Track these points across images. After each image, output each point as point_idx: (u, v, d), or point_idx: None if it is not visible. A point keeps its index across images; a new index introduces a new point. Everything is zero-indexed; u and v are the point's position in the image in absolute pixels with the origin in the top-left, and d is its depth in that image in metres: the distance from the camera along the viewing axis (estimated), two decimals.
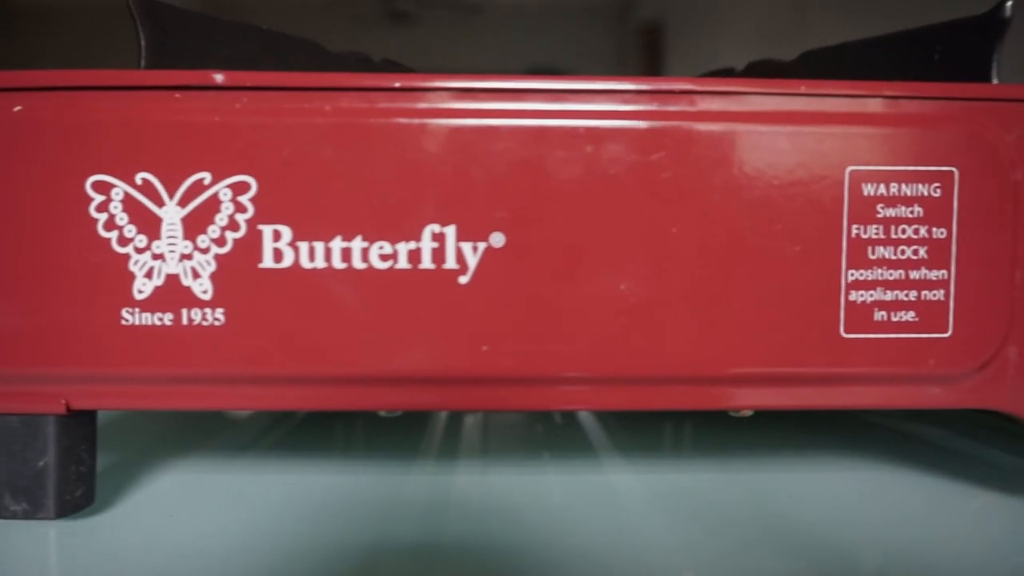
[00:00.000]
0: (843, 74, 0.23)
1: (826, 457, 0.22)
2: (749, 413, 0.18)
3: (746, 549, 0.16)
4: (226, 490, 0.19)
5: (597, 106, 0.16)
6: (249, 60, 0.21)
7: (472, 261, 0.16)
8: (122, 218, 0.16)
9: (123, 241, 0.16)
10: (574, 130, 0.16)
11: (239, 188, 0.16)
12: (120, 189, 0.16)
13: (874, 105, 0.17)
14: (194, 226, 0.16)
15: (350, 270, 0.16)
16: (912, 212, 0.17)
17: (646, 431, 0.24)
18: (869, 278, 0.17)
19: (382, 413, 0.18)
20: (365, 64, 0.25)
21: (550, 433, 0.24)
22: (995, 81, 0.20)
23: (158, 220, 0.16)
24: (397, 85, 0.16)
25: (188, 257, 0.16)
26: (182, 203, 0.16)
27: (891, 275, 0.17)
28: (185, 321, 0.16)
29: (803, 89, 0.16)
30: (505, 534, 0.17)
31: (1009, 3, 0.20)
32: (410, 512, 0.18)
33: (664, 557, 0.16)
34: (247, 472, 0.20)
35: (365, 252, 0.16)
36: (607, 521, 0.17)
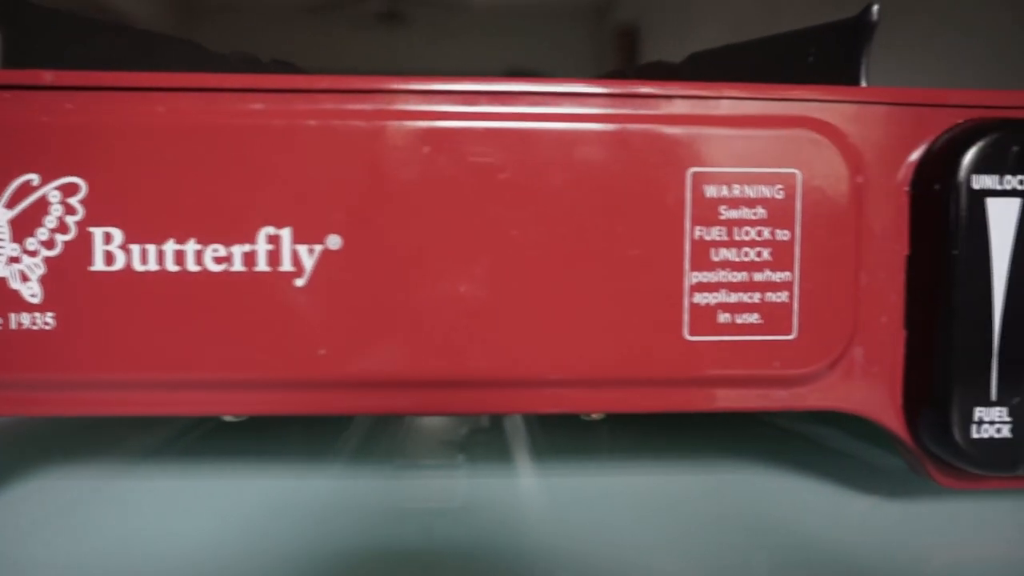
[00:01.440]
0: (727, 75, 0.23)
1: (713, 458, 0.22)
2: (599, 416, 0.18)
3: (618, 552, 0.16)
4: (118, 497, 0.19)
5: (433, 107, 0.16)
6: (121, 60, 0.21)
7: (308, 264, 0.16)
8: None
9: None
10: (410, 131, 0.16)
11: (68, 190, 0.16)
12: None
13: (715, 107, 0.17)
14: (22, 229, 0.16)
15: (184, 273, 0.16)
16: (755, 214, 0.16)
17: (568, 434, 0.24)
18: (712, 280, 0.17)
19: (228, 418, 0.17)
20: (250, 64, 0.25)
21: (469, 436, 0.24)
22: (863, 83, 0.20)
23: None
24: (231, 86, 0.16)
25: (16, 260, 0.16)
26: (9, 205, 0.16)
27: (735, 277, 0.17)
28: (14, 325, 0.16)
29: (643, 90, 0.16)
30: (396, 536, 0.16)
31: (875, 7, 0.20)
32: (304, 514, 0.18)
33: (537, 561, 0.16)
34: (145, 479, 0.20)
35: (199, 255, 0.16)
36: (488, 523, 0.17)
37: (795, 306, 0.17)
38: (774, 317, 0.17)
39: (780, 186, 0.16)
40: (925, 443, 0.17)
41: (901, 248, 0.17)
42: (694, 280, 0.16)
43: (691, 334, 0.17)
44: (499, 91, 0.16)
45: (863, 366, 0.17)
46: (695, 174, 0.16)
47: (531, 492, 0.20)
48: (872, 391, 0.17)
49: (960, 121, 0.17)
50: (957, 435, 0.16)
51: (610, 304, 0.16)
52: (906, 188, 0.17)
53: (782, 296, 0.17)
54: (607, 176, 0.16)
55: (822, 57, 0.21)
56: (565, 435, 0.24)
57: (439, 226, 0.16)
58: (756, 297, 0.17)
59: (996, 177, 0.16)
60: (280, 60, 0.26)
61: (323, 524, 0.17)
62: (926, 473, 0.18)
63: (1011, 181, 0.16)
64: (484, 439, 0.24)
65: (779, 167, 0.16)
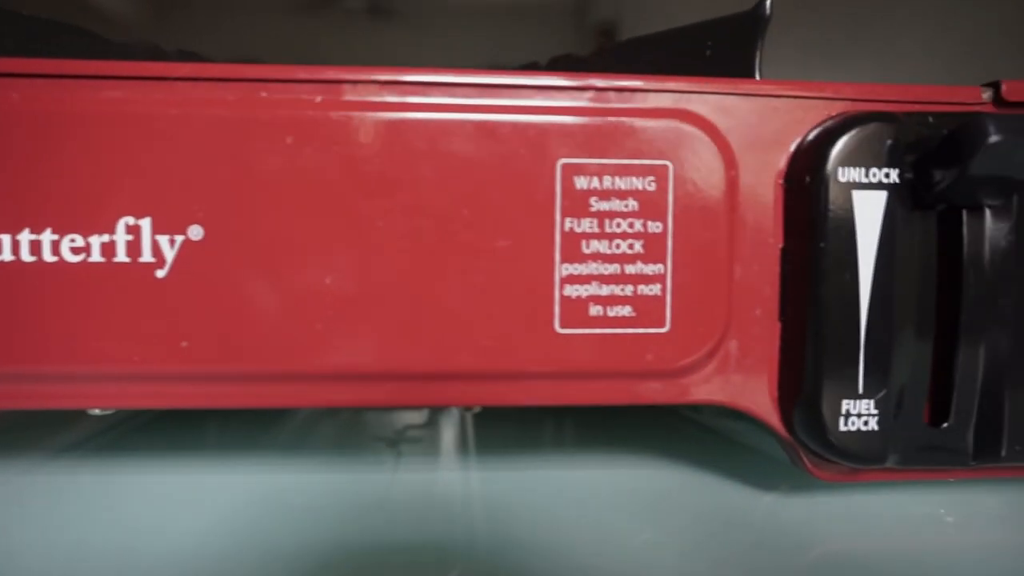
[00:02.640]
0: (632, 68, 0.23)
1: (623, 453, 0.22)
2: (475, 410, 0.17)
3: (529, 544, 0.16)
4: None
5: (296, 95, 0.16)
6: (13, 48, 0.20)
7: (169, 254, 0.16)
8: None
9: None
10: (273, 119, 0.16)
11: None
12: None
13: (585, 97, 0.16)
14: None
15: (40, 263, 0.15)
16: (627, 206, 0.16)
17: (501, 428, 0.24)
18: (584, 273, 0.16)
19: (94, 411, 0.17)
20: (153, 53, 0.24)
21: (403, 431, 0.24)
22: (757, 75, 0.20)
23: None
24: (87, 72, 0.15)
25: None
26: None
27: (606, 270, 0.16)
28: None
29: (512, 81, 0.16)
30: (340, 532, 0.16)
31: (768, 1, 0.20)
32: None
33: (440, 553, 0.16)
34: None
35: (56, 245, 0.15)
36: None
37: (668, 299, 0.17)
38: (646, 310, 0.17)
39: (652, 178, 0.16)
40: (798, 436, 0.17)
41: (776, 241, 0.17)
42: (565, 272, 0.16)
43: (562, 327, 0.16)
44: (366, 80, 0.16)
45: (738, 359, 0.17)
46: (565, 165, 0.16)
47: (455, 485, 0.20)
48: (747, 384, 0.17)
49: (834, 114, 0.17)
50: (826, 428, 0.16)
51: (479, 297, 0.16)
52: (780, 181, 0.17)
53: (654, 289, 0.17)
54: (475, 167, 0.16)
55: (719, 50, 0.21)
56: (498, 429, 0.24)
57: (304, 217, 0.16)
58: (628, 290, 0.17)
59: (863, 170, 0.16)
60: (186, 50, 0.26)
61: (248, 519, 0.17)
62: (803, 466, 0.18)
63: (877, 174, 0.16)
64: (417, 434, 0.24)
65: (651, 159, 0.16)
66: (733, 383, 0.17)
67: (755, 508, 0.19)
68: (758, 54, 0.21)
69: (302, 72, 0.16)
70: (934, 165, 0.16)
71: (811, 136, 0.17)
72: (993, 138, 0.14)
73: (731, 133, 0.17)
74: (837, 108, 0.17)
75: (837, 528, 0.18)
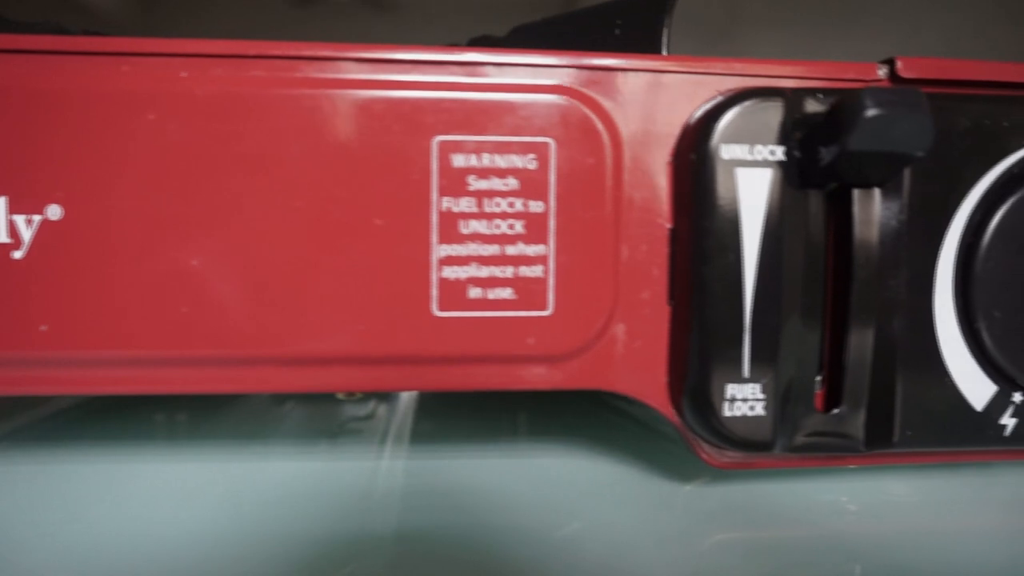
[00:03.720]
0: (546, 46, 0.23)
1: (547, 442, 0.21)
2: (358, 396, 0.17)
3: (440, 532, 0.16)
4: None
5: (159, 70, 0.15)
6: None
7: (26, 235, 0.15)
8: None
9: None
10: (135, 95, 0.15)
11: None
12: None
13: (463, 73, 0.16)
14: None
15: None
16: (506, 184, 0.16)
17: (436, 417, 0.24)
18: (462, 254, 0.16)
19: None
20: (56, 31, 0.24)
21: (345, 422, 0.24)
22: (664, 52, 0.19)
23: None
24: None
25: None
26: None
27: (486, 251, 0.16)
28: None
29: (387, 55, 0.16)
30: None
31: None
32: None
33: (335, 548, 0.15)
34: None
35: None
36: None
37: (550, 281, 0.16)
38: (528, 292, 0.16)
39: (533, 156, 0.16)
40: (687, 422, 0.16)
41: (665, 221, 0.17)
42: (442, 253, 0.16)
43: (440, 310, 0.16)
44: (233, 55, 0.15)
45: (626, 343, 0.17)
46: (441, 142, 0.16)
47: (384, 475, 0.19)
48: (636, 369, 0.17)
49: (723, 91, 0.16)
50: (711, 413, 0.16)
51: (354, 278, 0.16)
52: (668, 159, 0.16)
53: (536, 270, 0.16)
54: (348, 144, 0.15)
55: (627, 28, 0.21)
56: (437, 419, 0.24)
57: (169, 197, 0.15)
58: (509, 271, 0.16)
59: (747, 147, 0.15)
60: (91, 30, 0.25)
61: (179, 508, 0.17)
62: (696, 453, 0.17)
63: (762, 152, 0.15)
64: (358, 425, 0.24)
65: (531, 136, 0.16)
66: (621, 368, 0.17)
67: (675, 496, 0.18)
68: (665, 31, 0.20)
69: (165, 46, 0.15)
70: (817, 142, 0.15)
71: (699, 113, 0.16)
72: (870, 112, 0.14)
73: (616, 110, 0.16)
74: (729, 85, 0.16)
75: (740, 516, 0.17)
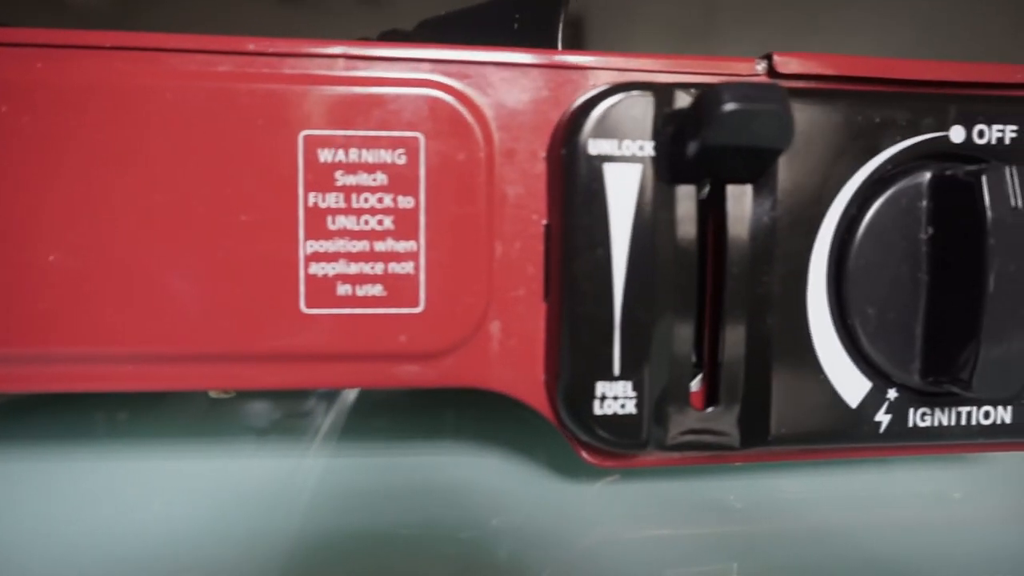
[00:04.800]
0: (449, 40, 0.22)
1: (469, 441, 0.21)
2: (231, 394, 0.17)
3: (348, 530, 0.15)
4: None
5: (10, 61, 0.15)
6: None
7: None
8: None
9: None
10: None
11: None
12: None
13: (329, 66, 0.16)
14: None
15: None
16: (375, 180, 0.16)
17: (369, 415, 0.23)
18: (330, 250, 0.16)
19: None
20: None
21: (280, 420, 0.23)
22: (559, 46, 0.19)
23: None
24: None
25: None
26: None
27: (354, 247, 0.16)
28: None
29: (251, 47, 0.15)
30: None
31: None
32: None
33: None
34: None
35: None
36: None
37: (421, 278, 0.16)
38: (399, 289, 0.16)
39: (402, 150, 0.16)
40: (561, 420, 0.16)
41: (539, 217, 0.16)
42: (310, 250, 0.16)
43: (308, 307, 0.16)
44: (92, 46, 0.15)
45: (501, 341, 0.16)
46: (307, 137, 0.15)
47: (301, 474, 0.19)
48: (511, 367, 0.17)
49: (598, 86, 0.16)
50: (582, 411, 0.16)
51: (222, 274, 0.15)
52: (543, 154, 0.16)
53: (407, 267, 0.16)
54: (213, 137, 0.15)
55: (525, 22, 0.20)
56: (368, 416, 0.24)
57: (26, 191, 0.15)
58: (379, 268, 0.16)
59: (615, 142, 0.15)
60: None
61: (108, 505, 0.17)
62: (575, 451, 0.17)
63: (631, 147, 0.15)
64: (291, 424, 0.24)
65: (400, 131, 0.16)
66: (497, 366, 0.16)
67: (585, 494, 0.18)
68: (560, 26, 0.20)
69: (16, 35, 0.15)
70: (681, 137, 0.15)
71: (571, 109, 0.16)
72: (727, 107, 0.14)
73: (488, 105, 0.16)
74: (606, 79, 0.16)
75: (629, 514, 0.17)
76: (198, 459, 0.20)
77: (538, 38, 0.20)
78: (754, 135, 0.14)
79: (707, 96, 0.14)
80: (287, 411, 0.25)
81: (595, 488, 0.19)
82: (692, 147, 0.15)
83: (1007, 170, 0.15)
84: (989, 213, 0.15)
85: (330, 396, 0.25)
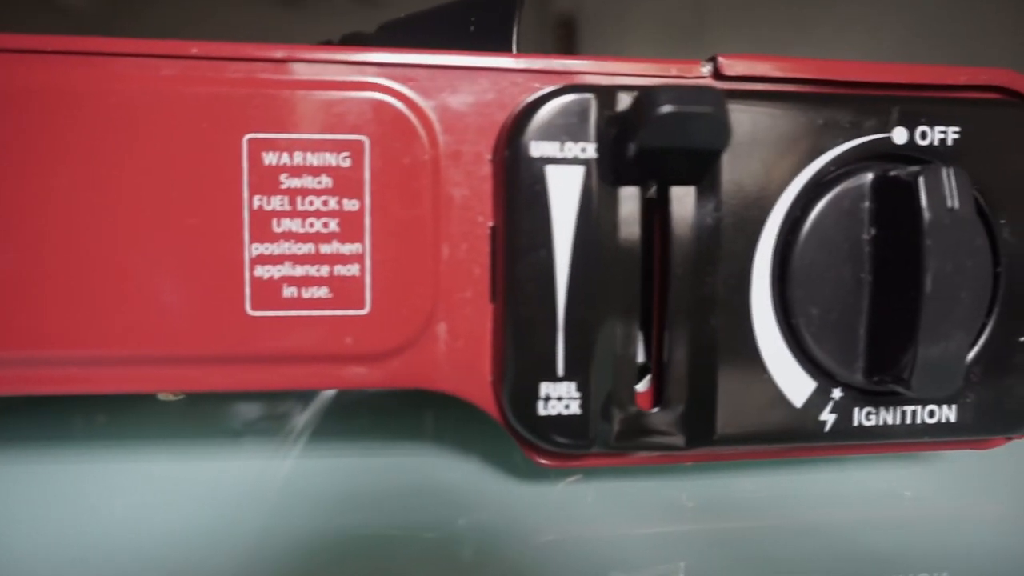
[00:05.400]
0: (409, 43, 0.23)
1: (430, 442, 0.21)
2: (178, 396, 0.17)
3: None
4: None
5: None
6: None
7: None
8: None
9: None
10: None
11: None
12: None
13: (272, 69, 0.16)
14: None
15: None
16: (320, 183, 0.16)
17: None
18: (276, 252, 0.16)
19: None
20: None
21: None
22: (514, 50, 0.19)
23: None
24: None
25: None
26: None
27: (300, 249, 0.16)
28: None
29: (194, 51, 0.15)
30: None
31: None
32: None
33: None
34: None
35: None
36: None
37: (367, 280, 0.16)
38: (344, 291, 0.16)
39: (347, 154, 0.16)
40: (507, 421, 0.16)
41: (485, 219, 0.16)
42: (255, 252, 0.16)
43: (254, 309, 0.16)
44: (36, 50, 0.15)
45: (448, 342, 0.17)
46: (251, 140, 0.15)
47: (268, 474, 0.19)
48: (458, 369, 0.17)
49: (544, 89, 0.16)
50: (527, 412, 0.16)
51: (167, 277, 0.15)
52: (488, 156, 0.16)
53: (353, 269, 0.16)
54: (157, 140, 0.15)
55: (481, 25, 0.21)
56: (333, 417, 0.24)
57: None
58: (324, 270, 0.16)
59: (557, 144, 0.15)
60: None
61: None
62: (524, 452, 0.17)
63: (573, 149, 0.15)
64: (264, 426, 0.24)
65: (345, 134, 0.16)
66: (444, 367, 0.17)
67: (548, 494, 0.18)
68: (515, 29, 0.20)
69: None
70: (620, 139, 0.15)
71: (516, 111, 0.16)
72: (662, 109, 0.14)
73: (433, 108, 0.16)
74: (551, 82, 0.16)
75: (576, 514, 0.17)
76: (167, 461, 0.20)
77: (494, 41, 0.20)
78: (690, 137, 0.14)
79: (643, 98, 0.14)
80: (261, 412, 0.25)
81: (558, 488, 0.19)
82: (630, 149, 0.15)
83: (944, 171, 0.15)
84: (926, 214, 0.15)
85: (306, 397, 0.26)
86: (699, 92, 0.14)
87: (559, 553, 0.16)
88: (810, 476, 0.20)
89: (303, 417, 0.24)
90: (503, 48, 0.20)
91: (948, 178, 0.15)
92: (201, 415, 0.24)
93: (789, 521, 0.18)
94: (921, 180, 0.15)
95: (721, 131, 0.14)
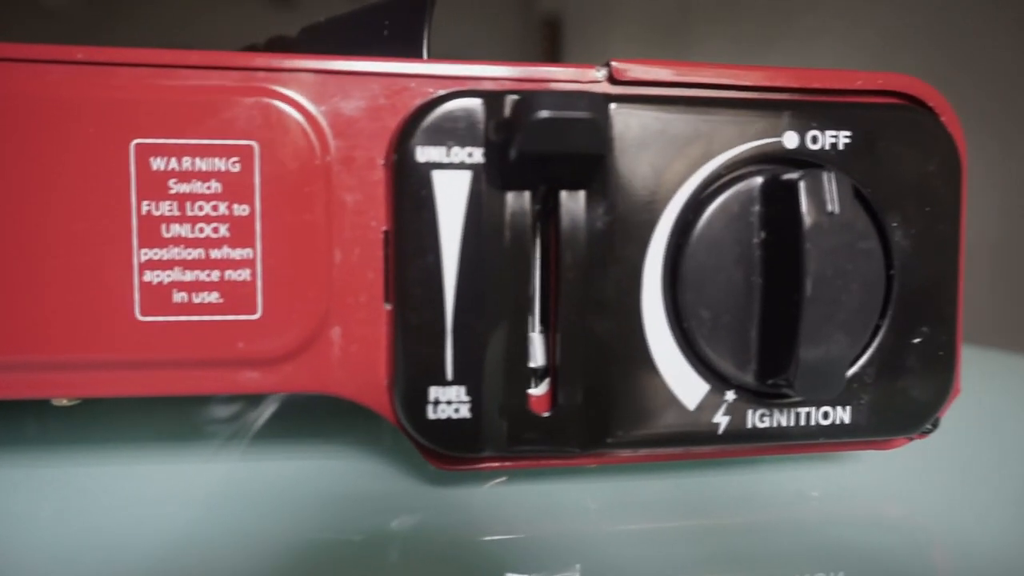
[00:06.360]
0: (329, 47, 0.23)
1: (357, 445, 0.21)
2: (73, 402, 0.17)
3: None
4: None
5: None
6: None
7: None
8: None
9: None
10: None
11: None
12: None
13: (159, 75, 0.16)
14: None
15: None
16: (209, 188, 0.16)
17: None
18: (165, 257, 0.16)
19: None
20: None
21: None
22: (425, 55, 0.19)
23: None
24: None
25: None
26: None
27: (190, 254, 0.16)
28: None
29: (80, 56, 0.15)
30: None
31: None
32: None
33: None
34: None
35: None
36: None
37: (258, 284, 0.16)
38: (236, 296, 0.16)
39: (236, 159, 0.16)
40: (401, 425, 0.16)
41: (379, 223, 0.16)
42: (144, 257, 0.16)
43: (143, 314, 0.16)
44: None
45: (342, 346, 0.17)
46: (139, 145, 0.15)
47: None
48: (353, 373, 0.17)
49: (435, 93, 0.16)
50: (417, 416, 0.16)
51: (56, 282, 0.15)
52: (381, 161, 0.16)
53: (243, 274, 0.16)
54: (45, 145, 0.15)
55: (394, 30, 0.21)
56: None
57: None
58: (215, 275, 0.16)
59: (444, 149, 0.15)
60: None
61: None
62: (421, 455, 0.17)
63: (460, 154, 0.15)
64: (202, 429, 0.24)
65: (234, 139, 0.16)
66: (339, 371, 0.17)
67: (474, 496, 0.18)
68: (425, 34, 0.20)
69: None
70: (504, 144, 0.15)
71: (408, 116, 0.16)
72: (539, 114, 0.14)
73: (325, 113, 0.16)
74: (443, 87, 0.16)
75: (491, 517, 0.17)
76: (90, 466, 0.20)
77: (406, 45, 0.20)
78: (567, 142, 0.14)
79: (522, 103, 0.14)
80: (199, 416, 0.25)
81: (483, 490, 0.19)
82: (512, 153, 0.15)
83: (825, 176, 0.15)
84: (806, 218, 0.15)
85: (252, 401, 0.26)
86: (577, 97, 0.14)
87: (471, 554, 0.16)
88: (724, 478, 0.20)
89: (239, 420, 0.24)
90: (414, 52, 0.20)
91: (829, 182, 0.15)
92: (130, 418, 0.24)
93: (694, 523, 0.18)
94: (801, 184, 0.15)
95: (599, 136, 0.14)
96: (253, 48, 0.28)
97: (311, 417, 0.24)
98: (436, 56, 0.18)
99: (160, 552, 0.15)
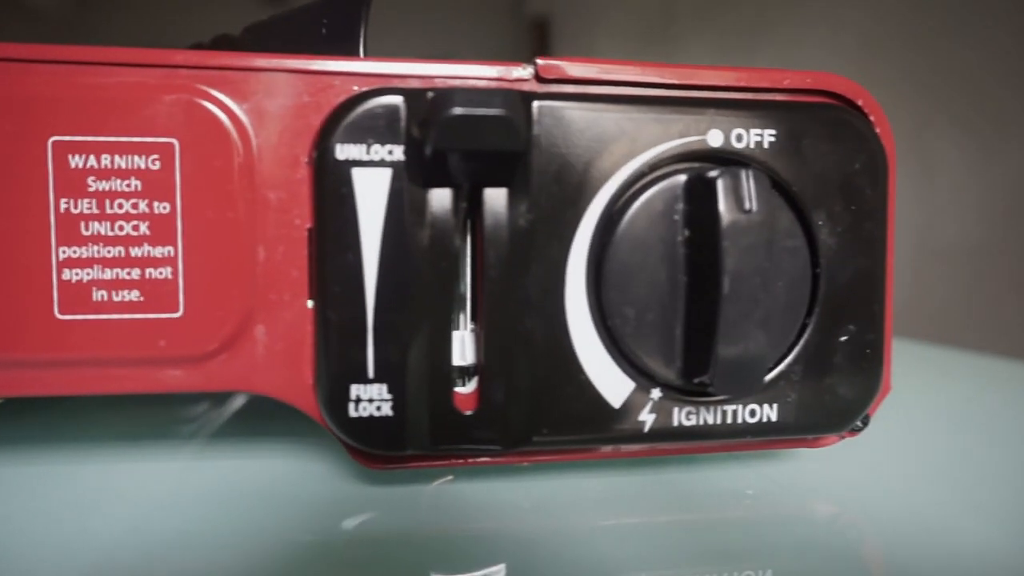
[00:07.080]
0: (271, 46, 0.23)
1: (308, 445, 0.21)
2: (2, 400, 0.17)
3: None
4: None
5: None
6: None
7: None
8: None
9: None
10: None
11: None
12: None
13: (77, 71, 0.16)
14: None
15: None
16: (129, 186, 0.16)
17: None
18: (84, 256, 0.16)
19: None
20: None
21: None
22: (362, 53, 0.19)
23: None
24: None
25: None
26: None
27: (109, 252, 0.16)
28: None
29: (22, 54, 0.15)
30: None
31: None
32: None
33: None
34: None
35: None
36: None
37: (180, 283, 0.16)
38: (156, 294, 0.16)
39: (156, 156, 0.16)
40: (326, 422, 0.16)
41: (303, 221, 0.16)
42: (63, 256, 0.16)
43: (62, 313, 0.16)
44: None
45: (266, 344, 0.16)
46: (56, 143, 0.15)
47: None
48: (278, 371, 0.17)
49: (357, 91, 0.16)
50: (339, 413, 0.16)
51: None
52: (305, 159, 0.16)
53: (164, 272, 0.16)
54: None
55: (332, 28, 0.21)
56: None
57: None
58: (135, 273, 0.16)
59: (364, 147, 0.15)
60: None
61: None
62: (348, 453, 0.17)
63: (380, 151, 0.15)
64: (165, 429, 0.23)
65: (154, 136, 0.16)
66: (263, 370, 0.16)
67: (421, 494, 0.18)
68: (362, 32, 0.20)
69: None
70: (421, 141, 0.15)
71: (331, 114, 0.16)
72: (452, 111, 0.14)
73: (247, 110, 0.16)
74: (373, 84, 0.16)
75: (430, 515, 0.17)
76: (45, 464, 0.20)
77: (342, 44, 0.20)
78: (482, 139, 0.14)
79: (436, 100, 0.14)
80: (166, 415, 0.25)
81: (430, 488, 0.19)
82: (427, 150, 0.15)
83: (743, 173, 0.15)
84: (723, 216, 0.15)
85: (217, 399, 0.26)
86: (492, 94, 0.14)
87: (412, 552, 0.16)
88: (663, 476, 0.20)
89: (194, 420, 0.24)
90: (351, 50, 0.20)
91: (747, 180, 0.15)
92: (83, 417, 0.24)
93: (628, 521, 0.18)
94: (719, 182, 0.15)
95: (513, 133, 0.14)
96: (199, 46, 0.27)
97: (271, 416, 0.24)
98: (399, 56, 0.18)
99: (106, 552, 0.15)
